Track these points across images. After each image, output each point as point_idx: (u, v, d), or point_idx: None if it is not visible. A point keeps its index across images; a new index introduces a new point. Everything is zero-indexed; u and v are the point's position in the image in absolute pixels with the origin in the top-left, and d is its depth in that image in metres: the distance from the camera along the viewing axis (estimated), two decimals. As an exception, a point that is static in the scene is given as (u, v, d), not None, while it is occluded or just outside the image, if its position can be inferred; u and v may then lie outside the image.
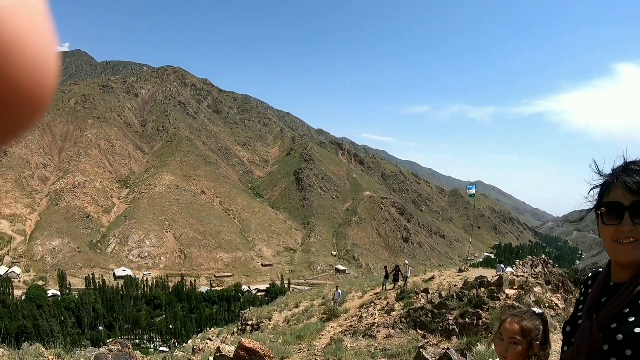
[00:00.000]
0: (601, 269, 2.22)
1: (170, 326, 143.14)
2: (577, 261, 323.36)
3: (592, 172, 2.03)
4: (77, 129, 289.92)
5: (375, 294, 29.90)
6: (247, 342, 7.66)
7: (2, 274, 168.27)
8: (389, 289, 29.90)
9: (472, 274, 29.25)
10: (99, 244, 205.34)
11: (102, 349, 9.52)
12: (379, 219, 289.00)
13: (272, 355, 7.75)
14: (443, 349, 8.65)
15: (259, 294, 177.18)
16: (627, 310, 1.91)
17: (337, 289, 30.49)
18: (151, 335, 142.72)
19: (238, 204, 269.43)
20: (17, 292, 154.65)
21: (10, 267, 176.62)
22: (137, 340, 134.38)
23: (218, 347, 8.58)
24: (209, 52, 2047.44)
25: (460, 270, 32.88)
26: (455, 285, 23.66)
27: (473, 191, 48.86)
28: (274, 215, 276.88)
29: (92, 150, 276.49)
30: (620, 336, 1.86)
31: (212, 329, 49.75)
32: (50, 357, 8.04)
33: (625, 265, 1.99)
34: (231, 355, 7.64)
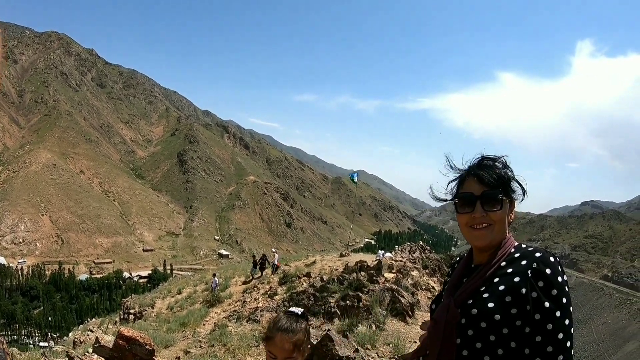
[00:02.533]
0: (456, 259, 2.62)
1: (50, 319, 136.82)
2: (452, 247, 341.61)
3: (447, 167, 2.38)
4: None
5: (257, 278, 30.16)
6: (126, 330, 7.60)
7: None
8: (257, 277, 30.43)
9: (353, 258, 30.09)
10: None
11: None
12: (262, 204, 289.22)
13: (152, 344, 7.74)
14: (324, 330, 8.96)
15: (141, 280, 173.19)
16: (483, 288, 2.20)
17: (214, 277, 30.36)
18: (29, 330, 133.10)
19: (119, 185, 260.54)
20: None
21: None
22: (15, 337, 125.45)
23: (97, 338, 8.42)
24: (97, 19, 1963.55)
25: (341, 255, 33.71)
26: (337, 270, 24.27)
27: (355, 179, 50.57)
28: (155, 198, 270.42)
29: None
30: (475, 311, 2.14)
31: (94, 319, 48.48)
32: None
33: (481, 249, 2.32)
34: (111, 345, 7.55)
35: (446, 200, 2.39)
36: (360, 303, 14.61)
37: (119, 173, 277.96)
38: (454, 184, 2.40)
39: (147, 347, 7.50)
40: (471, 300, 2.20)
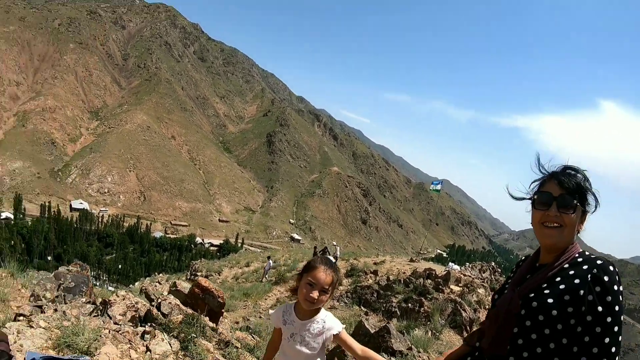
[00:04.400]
0: (521, 259, 2.91)
1: (120, 266, 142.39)
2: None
3: (534, 167, 2.67)
4: (56, 52, 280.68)
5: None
6: (203, 281, 8.07)
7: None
8: None
9: (422, 265, 29.98)
10: (59, 173, 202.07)
11: (62, 269, 9.88)
12: (342, 196, 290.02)
13: (224, 297, 8.18)
14: (384, 322, 9.19)
15: (212, 248, 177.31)
16: (545, 285, 2.47)
17: (269, 260, 30.55)
18: (99, 272, 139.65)
19: (206, 155, 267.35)
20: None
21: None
22: None
23: (174, 282, 9.00)
24: None
25: (411, 260, 33.59)
26: (404, 273, 24.27)
27: (438, 187, 49.40)
28: (239, 173, 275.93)
29: (69, 76, 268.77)
30: (535, 304, 2.40)
31: (161, 274, 50.07)
32: (3, 274, 8.33)
33: (548, 248, 2.59)
34: (186, 291, 8.05)
35: (524, 198, 2.61)
36: (422, 308, 14.68)
37: (208, 144, 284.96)
38: (535, 184, 2.63)
39: (219, 299, 7.96)
40: (533, 294, 2.45)
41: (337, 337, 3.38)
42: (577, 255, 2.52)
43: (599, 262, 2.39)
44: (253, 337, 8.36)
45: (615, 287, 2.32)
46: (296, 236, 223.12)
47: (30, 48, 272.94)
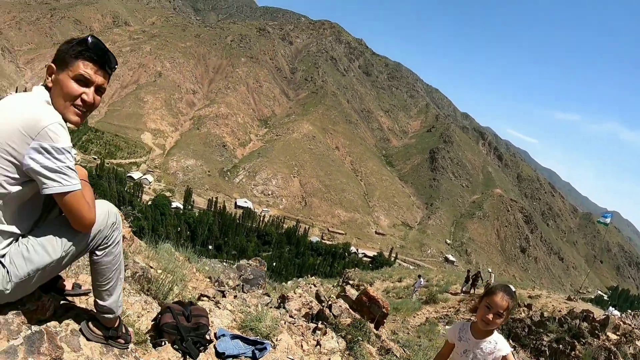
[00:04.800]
0: None
1: (274, 264, 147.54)
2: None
3: None
4: (229, 65, 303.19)
5: (465, 293, 29.93)
6: (371, 290, 8.61)
7: (136, 178, 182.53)
8: (466, 292, 30.22)
9: (580, 306, 28.56)
10: (228, 173, 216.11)
11: (243, 262, 11.01)
12: (502, 221, 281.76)
13: (388, 307, 8.60)
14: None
15: (365, 258, 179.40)
16: None
17: (419, 278, 30.32)
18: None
19: (368, 167, 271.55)
20: (145, 197, 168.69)
21: (144, 174, 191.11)
22: None
23: (344, 288, 9.67)
24: (368, 13, 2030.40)
25: (569, 299, 32.16)
26: (560, 312, 23.34)
27: (608, 220, 46.29)
28: (400, 188, 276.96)
29: (240, 87, 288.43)
30: None
31: (314, 277, 51.33)
32: (181, 258, 9.04)
33: None
34: (354, 298, 8.61)
35: None
36: (573, 352, 14.17)
37: (371, 156, 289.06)
38: None
39: (384, 309, 8.45)
40: None
41: (504, 358, 3.84)
42: None
43: None
44: (404, 350, 8.59)
45: None
46: (451, 257, 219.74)
47: (206, 61, 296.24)
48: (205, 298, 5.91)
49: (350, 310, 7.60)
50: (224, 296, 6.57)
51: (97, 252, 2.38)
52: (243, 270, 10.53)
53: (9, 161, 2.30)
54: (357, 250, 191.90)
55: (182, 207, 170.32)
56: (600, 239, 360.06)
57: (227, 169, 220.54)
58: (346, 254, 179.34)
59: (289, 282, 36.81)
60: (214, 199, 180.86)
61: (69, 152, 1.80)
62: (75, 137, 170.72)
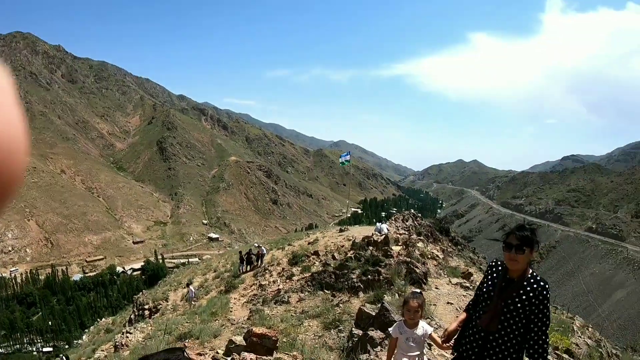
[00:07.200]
0: (493, 262, 4.87)
1: (50, 323, 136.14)
2: (438, 210, 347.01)
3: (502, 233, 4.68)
4: None
5: (245, 273, 31.24)
6: (257, 329, 9.32)
7: None
8: (245, 272, 31.05)
9: (352, 233, 31.28)
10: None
11: None
12: (246, 184, 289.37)
13: (277, 335, 9.39)
14: (379, 302, 10.48)
15: (135, 273, 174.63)
16: (515, 294, 4.41)
17: (189, 286, 29.05)
18: (31, 337, 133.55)
19: (101, 180, 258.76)
20: None
21: None
22: (18, 346, 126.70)
23: (230, 340, 10.16)
24: (62, 15, 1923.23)
25: (341, 231, 35.01)
26: (343, 246, 25.53)
27: (348, 158, 51.35)
28: (140, 189, 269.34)
29: None
30: (512, 306, 4.37)
31: (103, 319, 49.16)
32: None
33: (512, 272, 4.50)
34: (245, 343, 9.24)
35: (498, 239, 4.62)
36: (380, 276, 16.09)
37: (100, 168, 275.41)
38: (504, 236, 4.46)
39: (274, 338, 9.43)
40: (510, 300, 4.38)
41: (430, 335, 5.64)
42: (529, 275, 4.42)
43: (542, 283, 4.35)
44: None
45: (549, 295, 4.35)
46: (214, 235, 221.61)
47: None
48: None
49: (251, 355, 8.34)
50: None
51: None
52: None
53: None
54: (124, 268, 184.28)
55: None
56: (336, 167, 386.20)
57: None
58: (115, 277, 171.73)
59: (84, 337, 34.84)
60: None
61: None
62: None
